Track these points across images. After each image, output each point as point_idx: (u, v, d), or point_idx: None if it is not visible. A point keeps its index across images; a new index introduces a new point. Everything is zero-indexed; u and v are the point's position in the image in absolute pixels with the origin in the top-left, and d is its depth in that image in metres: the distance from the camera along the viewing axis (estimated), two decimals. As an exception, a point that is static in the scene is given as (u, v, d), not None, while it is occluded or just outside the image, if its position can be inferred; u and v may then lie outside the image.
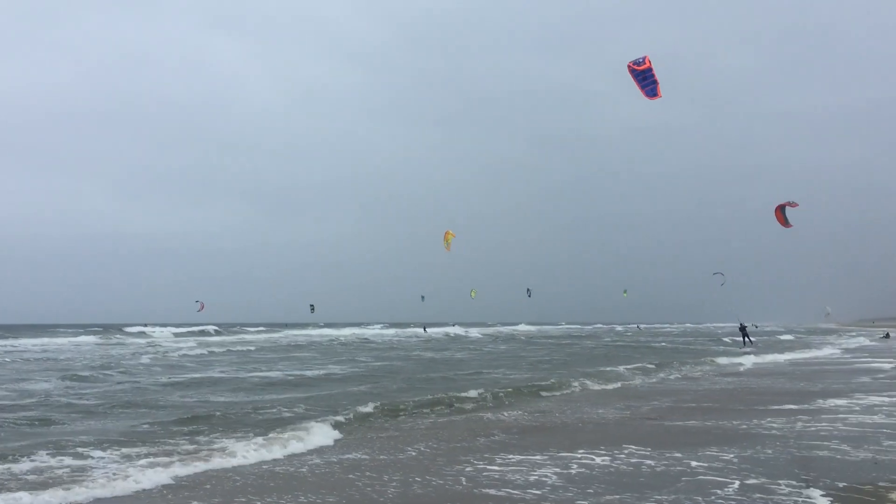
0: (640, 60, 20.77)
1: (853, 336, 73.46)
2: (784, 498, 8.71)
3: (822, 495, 8.70)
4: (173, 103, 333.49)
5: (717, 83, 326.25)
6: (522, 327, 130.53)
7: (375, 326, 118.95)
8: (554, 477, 10.17)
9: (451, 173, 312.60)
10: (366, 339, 71.95)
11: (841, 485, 9.12)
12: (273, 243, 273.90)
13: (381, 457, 11.68)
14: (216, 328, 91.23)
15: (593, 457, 11.48)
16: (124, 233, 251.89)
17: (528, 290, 79.43)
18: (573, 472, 10.49)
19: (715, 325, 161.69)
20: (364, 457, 11.69)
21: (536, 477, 10.20)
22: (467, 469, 10.74)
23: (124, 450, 11.76)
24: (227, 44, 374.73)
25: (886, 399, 17.14)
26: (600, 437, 13.29)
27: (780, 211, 36.91)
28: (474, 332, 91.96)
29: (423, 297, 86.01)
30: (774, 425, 13.94)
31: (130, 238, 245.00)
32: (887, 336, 67.46)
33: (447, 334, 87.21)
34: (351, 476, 10.33)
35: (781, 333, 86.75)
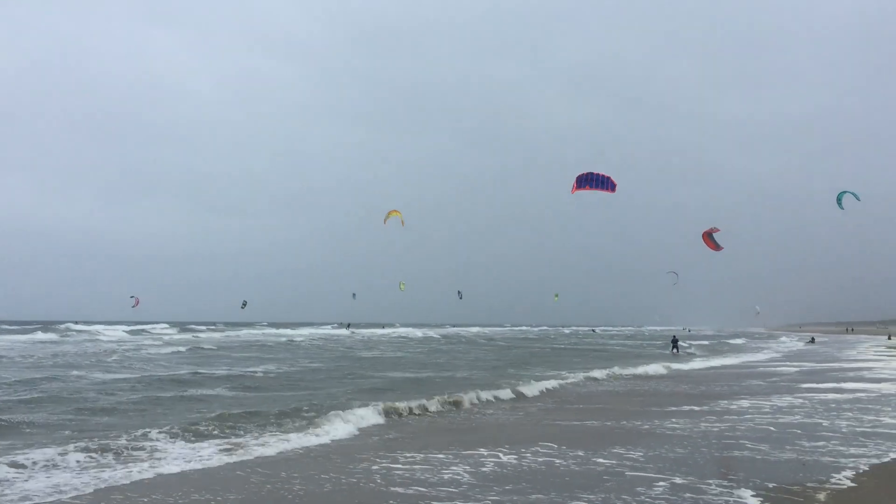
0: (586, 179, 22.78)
1: (783, 342, 76.28)
2: (715, 498, 8.20)
3: (753, 496, 8.24)
4: (106, 96, 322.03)
5: (659, 89, 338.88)
6: (475, 329, 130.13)
7: (326, 326, 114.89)
8: (466, 476, 9.44)
9: (381, 168, 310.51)
10: (324, 338, 69.47)
11: (770, 485, 8.68)
12: (204, 236, 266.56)
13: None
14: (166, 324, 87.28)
15: (499, 455, 10.86)
16: (49, 228, 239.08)
17: (458, 292, 79.11)
18: (486, 470, 9.82)
19: (659, 328, 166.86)
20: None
21: (450, 475, 9.45)
22: (374, 468, 9.85)
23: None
24: (164, 36, 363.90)
25: (789, 400, 17.13)
26: (501, 436, 12.78)
27: (708, 237, 37.67)
28: (418, 333, 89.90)
29: (354, 295, 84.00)
30: (678, 426, 13.72)
31: (56, 233, 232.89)
32: (812, 341, 71.41)
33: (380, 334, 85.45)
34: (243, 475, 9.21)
35: (728, 338, 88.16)
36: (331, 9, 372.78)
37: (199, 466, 9.97)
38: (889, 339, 79.24)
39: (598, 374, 26.29)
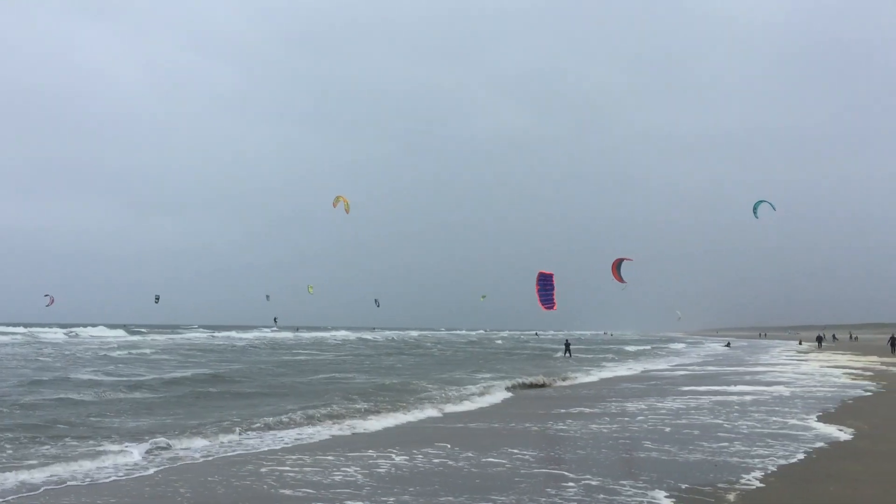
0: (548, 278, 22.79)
1: (701, 345, 78.04)
2: (629, 499, 8.13)
3: (667, 496, 8.20)
4: (34, 92, 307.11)
5: (589, 98, 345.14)
6: (413, 333, 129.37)
7: (266, 329, 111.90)
8: (360, 477, 9.27)
9: (314, 169, 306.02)
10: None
11: (683, 486, 8.67)
12: (132, 235, 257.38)
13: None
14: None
15: (392, 455, 10.69)
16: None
17: (375, 300, 78.84)
18: (382, 471, 9.64)
19: (587, 332, 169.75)
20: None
21: (341, 477, 9.25)
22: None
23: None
24: (93, 31, 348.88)
25: (687, 402, 17.45)
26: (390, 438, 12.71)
27: (616, 268, 38.20)
28: (340, 335, 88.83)
29: (267, 297, 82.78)
30: (570, 427, 13.82)
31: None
32: (728, 345, 74.65)
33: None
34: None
35: (635, 343, 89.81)
36: (265, 6, 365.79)
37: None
38: (800, 343, 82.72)
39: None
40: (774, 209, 41.30)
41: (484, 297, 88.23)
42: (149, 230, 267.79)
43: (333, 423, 14.40)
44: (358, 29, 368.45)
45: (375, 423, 14.48)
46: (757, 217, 40.28)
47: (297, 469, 9.76)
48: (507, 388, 22.18)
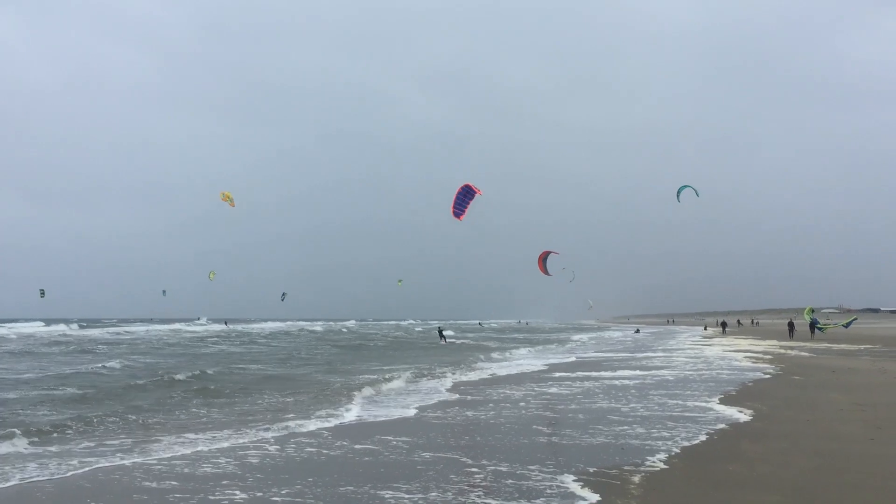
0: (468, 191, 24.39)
1: (611, 331, 79.66)
2: (538, 483, 8.14)
3: (575, 480, 8.25)
4: None
5: (510, 94, 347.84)
6: (350, 323, 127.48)
7: (200, 323, 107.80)
8: (231, 468, 9.07)
9: (236, 162, 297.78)
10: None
11: (591, 469, 8.76)
12: (41, 229, 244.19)
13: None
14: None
15: (265, 446, 10.49)
16: None
17: (283, 294, 77.72)
18: (254, 462, 9.46)
19: (497, 321, 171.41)
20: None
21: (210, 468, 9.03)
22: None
23: None
24: None
25: (585, 386, 17.86)
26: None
27: (543, 261, 38.74)
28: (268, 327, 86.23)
29: (164, 292, 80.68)
30: (468, 416, 13.83)
31: None
32: (637, 331, 77.20)
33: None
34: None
35: (544, 332, 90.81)
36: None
37: None
38: (705, 329, 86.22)
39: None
40: (698, 195, 42.72)
41: (400, 281, 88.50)
42: (55, 223, 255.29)
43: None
44: (279, 19, 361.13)
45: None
46: (679, 201, 41.55)
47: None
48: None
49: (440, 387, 19.12)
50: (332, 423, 12.88)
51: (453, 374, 23.04)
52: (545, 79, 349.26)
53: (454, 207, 24.49)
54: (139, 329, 69.33)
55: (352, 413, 14.15)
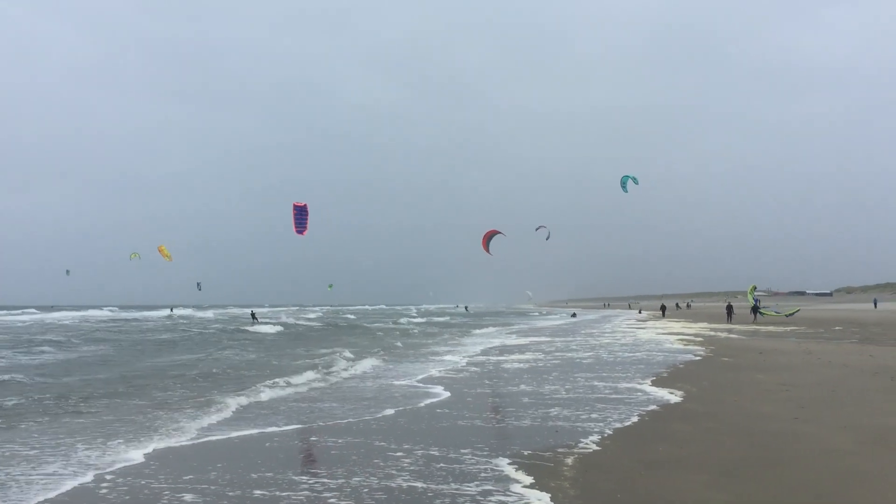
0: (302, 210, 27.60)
1: (549, 316, 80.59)
2: (471, 467, 8.09)
3: (509, 463, 8.24)
4: None
5: (457, 74, 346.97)
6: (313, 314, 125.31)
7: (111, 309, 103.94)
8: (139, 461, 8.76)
9: (169, 140, 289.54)
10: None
11: (526, 452, 8.77)
12: None
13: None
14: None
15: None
16: None
17: (197, 284, 76.98)
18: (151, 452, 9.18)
19: (433, 306, 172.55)
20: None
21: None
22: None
23: None
24: None
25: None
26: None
27: (487, 240, 38.91)
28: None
29: (67, 272, 78.52)
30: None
31: None
32: (574, 315, 78.61)
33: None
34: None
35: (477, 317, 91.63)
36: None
37: None
38: (639, 312, 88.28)
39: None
40: (637, 183, 43.53)
41: (331, 286, 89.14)
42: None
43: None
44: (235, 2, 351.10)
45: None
46: (626, 192, 42.29)
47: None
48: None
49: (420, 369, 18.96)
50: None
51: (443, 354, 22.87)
52: (495, 60, 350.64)
53: (295, 227, 27.73)
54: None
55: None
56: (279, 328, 47.24)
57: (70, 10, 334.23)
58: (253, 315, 54.73)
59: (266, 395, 14.23)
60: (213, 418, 11.59)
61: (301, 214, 27.77)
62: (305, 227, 27.64)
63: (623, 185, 42.74)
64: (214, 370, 19.51)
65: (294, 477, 7.81)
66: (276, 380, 16.32)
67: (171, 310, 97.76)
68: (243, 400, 13.46)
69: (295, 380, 16.49)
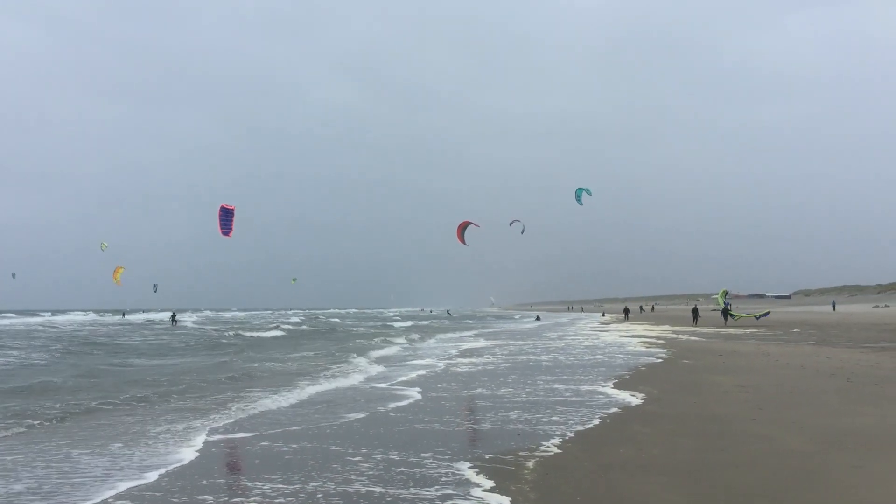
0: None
1: (512, 319, 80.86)
2: (433, 471, 8.00)
3: (470, 467, 8.16)
4: None
5: (422, 79, 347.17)
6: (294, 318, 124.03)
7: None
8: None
9: (134, 142, 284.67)
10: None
11: (487, 456, 8.70)
12: None
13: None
14: None
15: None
16: None
17: (154, 285, 76.37)
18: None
19: (393, 310, 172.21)
20: None
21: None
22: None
23: None
24: None
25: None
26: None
27: (462, 230, 39.27)
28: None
29: (13, 275, 76.84)
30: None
31: None
32: (538, 319, 79.90)
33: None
34: None
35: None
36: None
37: None
38: (603, 315, 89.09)
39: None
40: (591, 194, 44.00)
41: (294, 279, 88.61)
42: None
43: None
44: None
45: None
46: (581, 204, 42.73)
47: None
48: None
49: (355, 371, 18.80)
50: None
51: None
52: (458, 65, 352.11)
53: (221, 228, 28.49)
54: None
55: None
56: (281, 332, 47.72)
57: (27, 6, 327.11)
58: (173, 318, 55.86)
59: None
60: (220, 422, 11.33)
61: (227, 217, 28.76)
62: (231, 229, 28.69)
63: (578, 197, 43.28)
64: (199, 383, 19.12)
65: (248, 483, 7.65)
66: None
67: (124, 314, 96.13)
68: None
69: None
